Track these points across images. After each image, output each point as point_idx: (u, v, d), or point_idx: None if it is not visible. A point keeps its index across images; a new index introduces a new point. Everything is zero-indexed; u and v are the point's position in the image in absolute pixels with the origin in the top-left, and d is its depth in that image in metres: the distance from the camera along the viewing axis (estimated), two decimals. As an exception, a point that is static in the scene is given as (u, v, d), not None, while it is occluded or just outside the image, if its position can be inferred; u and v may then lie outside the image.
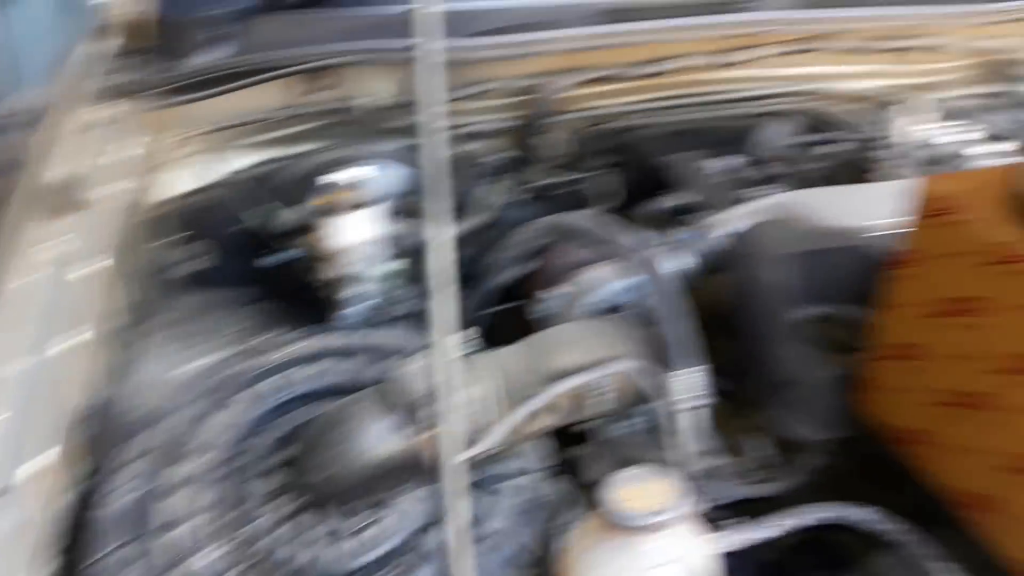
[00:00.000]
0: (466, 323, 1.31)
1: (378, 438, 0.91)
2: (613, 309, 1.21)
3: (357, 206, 1.29)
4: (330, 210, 1.28)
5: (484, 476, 0.97)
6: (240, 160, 1.60)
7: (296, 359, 1.10)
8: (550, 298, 1.23)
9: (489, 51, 1.65)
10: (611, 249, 1.15)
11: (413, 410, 0.90)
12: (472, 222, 1.52)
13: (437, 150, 1.63)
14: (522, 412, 0.92)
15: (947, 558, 0.83)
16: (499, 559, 0.90)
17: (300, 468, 0.94)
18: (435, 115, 1.66)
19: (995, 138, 1.50)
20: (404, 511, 0.93)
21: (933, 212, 0.87)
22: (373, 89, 1.64)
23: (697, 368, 1.01)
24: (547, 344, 1.02)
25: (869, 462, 0.97)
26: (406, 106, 1.62)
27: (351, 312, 1.38)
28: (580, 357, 1.00)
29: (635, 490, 0.79)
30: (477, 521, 0.93)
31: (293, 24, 1.64)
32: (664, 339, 1.02)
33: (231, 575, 0.87)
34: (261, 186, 1.57)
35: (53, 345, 0.98)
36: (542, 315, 1.24)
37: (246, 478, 0.96)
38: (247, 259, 1.57)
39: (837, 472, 1.00)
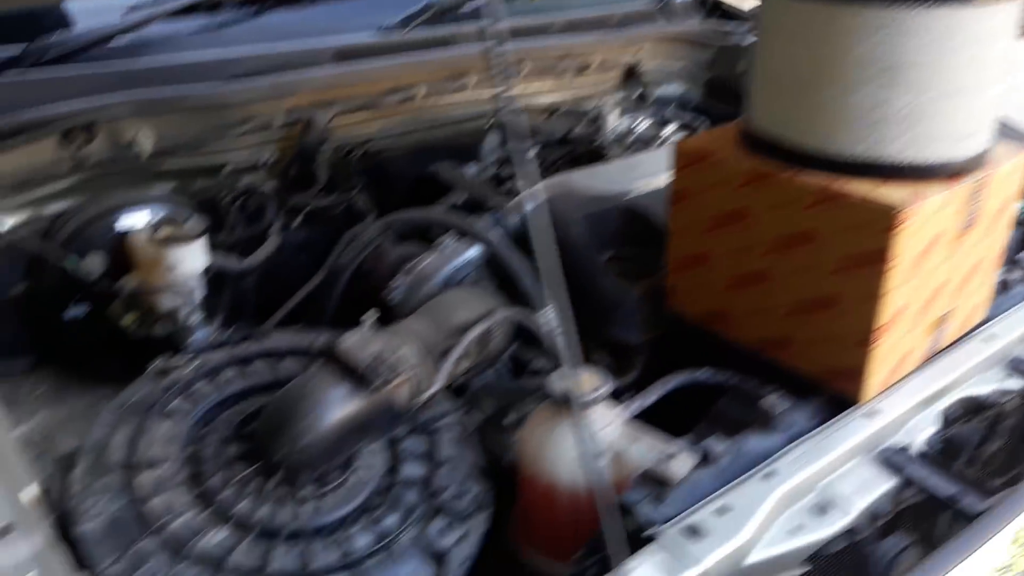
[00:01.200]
0: (323, 320, 1.47)
1: (340, 401, 1.06)
2: (451, 284, 1.46)
3: (198, 235, 1.37)
4: (173, 240, 1.34)
5: (421, 420, 1.16)
6: (12, 218, 1.54)
7: (210, 368, 1.18)
8: (397, 288, 1.44)
9: (248, 93, 1.78)
10: (454, 228, 1.40)
11: (363, 374, 1.06)
12: (268, 247, 1.65)
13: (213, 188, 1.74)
14: (454, 356, 1.13)
15: (764, 388, 1.20)
16: (457, 479, 1.10)
17: (265, 449, 1.05)
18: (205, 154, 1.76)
19: (663, 123, 2.04)
20: (368, 464, 1.09)
21: (689, 161, 1.26)
22: (140, 137, 1.67)
23: (551, 305, 1.31)
24: (441, 310, 1.23)
25: (684, 345, 1.34)
26: (172, 151, 1.70)
27: (199, 336, 1.44)
28: (471, 313, 1.24)
29: (572, 381, 1.06)
30: (431, 454, 1.13)
31: (53, 79, 1.61)
32: (520, 289, 1.31)
33: (237, 550, 0.96)
34: (49, 239, 1.53)
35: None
36: (395, 301, 1.44)
37: (211, 472, 1.04)
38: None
39: (666, 357, 1.35)
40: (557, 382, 1.05)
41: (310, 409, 1.04)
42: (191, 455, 1.07)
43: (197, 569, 0.93)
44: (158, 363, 1.18)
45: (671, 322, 1.35)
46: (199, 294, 1.47)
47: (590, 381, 1.06)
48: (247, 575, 0.93)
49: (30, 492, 0.88)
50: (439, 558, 1.00)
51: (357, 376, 1.06)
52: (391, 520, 1.03)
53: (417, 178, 1.89)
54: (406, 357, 1.10)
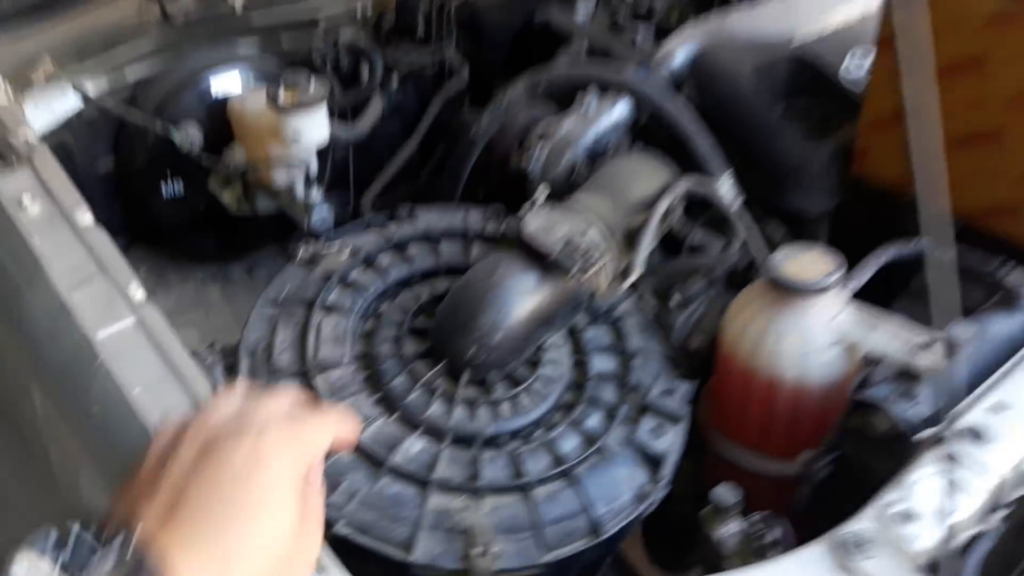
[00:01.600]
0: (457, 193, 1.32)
1: (532, 292, 0.92)
2: (598, 153, 1.29)
3: (322, 100, 1.20)
4: (298, 107, 1.17)
5: (601, 308, 1.04)
6: (96, 82, 1.37)
7: (366, 255, 1.05)
8: (535, 158, 1.28)
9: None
10: (613, 84, 1.22)
11: (556, 261, 0.92)
12: (373, 112, 1.48)
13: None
14: (648, 237, 0.99)
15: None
16: (652, 372, 0.99)
17: (449, 346, 0.93)
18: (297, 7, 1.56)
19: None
20: (554, 359, 0.97)
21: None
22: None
23: (729, 171, 1.15)
24: (617, 183, 1.07)
25: (874, 215, 1.19)
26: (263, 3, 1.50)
27: (319, 216, 1.30)
28: (650, 185, 1.08)
29: (796, 262, 0.92)
30: (618, 345, 1.01)
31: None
32: (695, 155, 1.15)
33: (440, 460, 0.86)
34: (138, 106, 1.37)
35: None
36: (534, 174, 1.28)
37: (390, 373, 0.92)
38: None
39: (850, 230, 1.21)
40: (782, 264, 0.91)
41: (500, 301, 0.91)
42: (364, 355, 0.95)
43: (401, 484, 0.83)
44: (304, 249, 1.04)
45: (859, 189, 1.19)
46: (315, 167, 1.32)
47: (821, 262, 0.92)
48: (458, 488, 0.83)
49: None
50: (654, 462, 0.89)
51: (548, 263, 0.92)
52: (594, 420, 0.92)
53: (522, 28, 1.67)
54: (596, 241, 0.95)
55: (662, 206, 1.02)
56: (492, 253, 0.96)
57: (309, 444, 0.55)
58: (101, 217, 1.46)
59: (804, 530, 0.89)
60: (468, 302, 0.92)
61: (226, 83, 1.39)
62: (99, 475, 0.73)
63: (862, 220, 1.21)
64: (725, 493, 0.86)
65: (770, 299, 0.93)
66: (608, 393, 0.95)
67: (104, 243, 0.89)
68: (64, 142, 1.36)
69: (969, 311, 1.02)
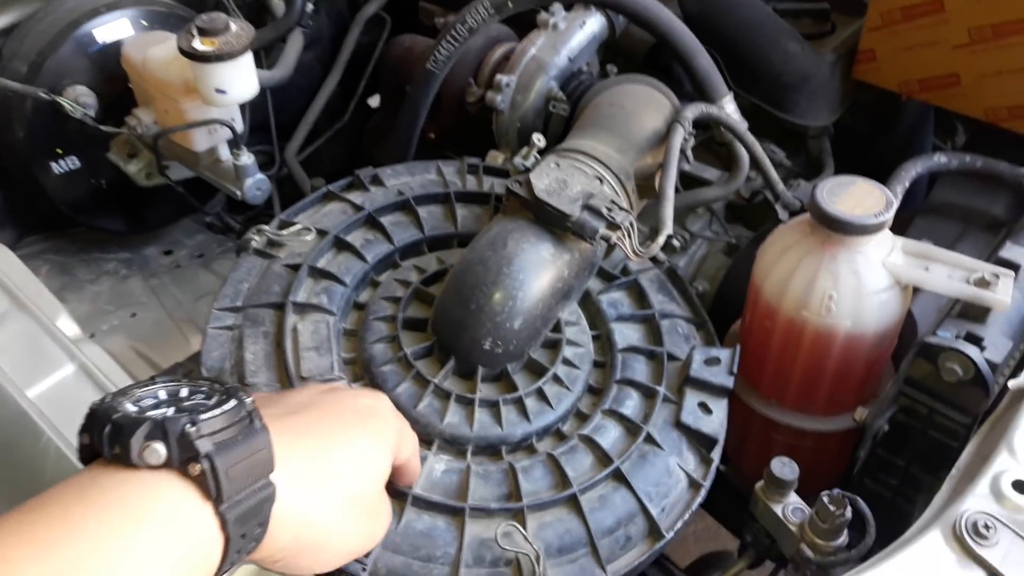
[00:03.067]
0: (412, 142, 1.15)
1: (549, 264, 0.78)
2: (573, 80, 1.14)
3: (247, 46, 0.99)
4: (219, 56, 0.96)
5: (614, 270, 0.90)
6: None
7: (335, 237, 0.87)
8: (503, 87, 1.11)
9: None
10: None
11: (575, 225, 0.78)
12: (294, 46, 1.27)
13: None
14: (670, 188, 0.85)
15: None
16: (681, 337, 0.87)
17: (457, 338, 0.78)
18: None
19: None
20: (573, 335, 0.84)
21: None
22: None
23: (728, 92, 1.02)
24: (615, 120, 0.93)
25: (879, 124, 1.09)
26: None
27: (252, 183, 1.11)
28: (655, 117, 0.94)
29: (847, 197, 0.80)
30: (640, 312, 0.88)
31: None
32: (693, 75, 1.00)
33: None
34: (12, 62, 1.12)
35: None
36: (500, 108, 1.12)
37: (393, 385, 0.77)
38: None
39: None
40: (832, 199, 0.79)
41: (516, 279, 0.76)
42: (354, 360, 0.80)
43: (430, 516, 0.70)
44: (256, 236, 0.86)
45: (862, 96, 1.08)
46: (241, 124, 1.11)
47: (871, 196, 0.81)
48: (496, 511, 0.70)
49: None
50: (703, 443, 0.79)
51: (564, 227, 0.78)
52: (631, 404, 0.80)
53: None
54: (612, 197, 0.81)
55: (676, 142, 0.88)
56: (495, 220, 0.81)
57: (409, 437, 0.61)
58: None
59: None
60: (478, 284, 0.77)
61: (113, 31, 1.15)
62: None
63: (865, 132, 1.10)
64: (783, 467, 0.77)
65: (818, 240, 0.81)
66: (640, 369, 0.83)
67: (12, 264, 0.69)
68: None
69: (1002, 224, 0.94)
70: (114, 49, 1.14)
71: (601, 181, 0.82)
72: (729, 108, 1.01)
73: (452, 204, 0.93)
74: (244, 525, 0.45)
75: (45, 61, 1.11)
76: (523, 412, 0.77)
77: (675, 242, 1.06)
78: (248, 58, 0.98)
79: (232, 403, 0.46)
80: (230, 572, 0.47)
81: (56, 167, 1.19)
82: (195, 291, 1.18)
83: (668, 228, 0.81)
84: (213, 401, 0.46)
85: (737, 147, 1.01)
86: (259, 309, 0.81)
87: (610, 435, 0.78)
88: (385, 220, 0.91)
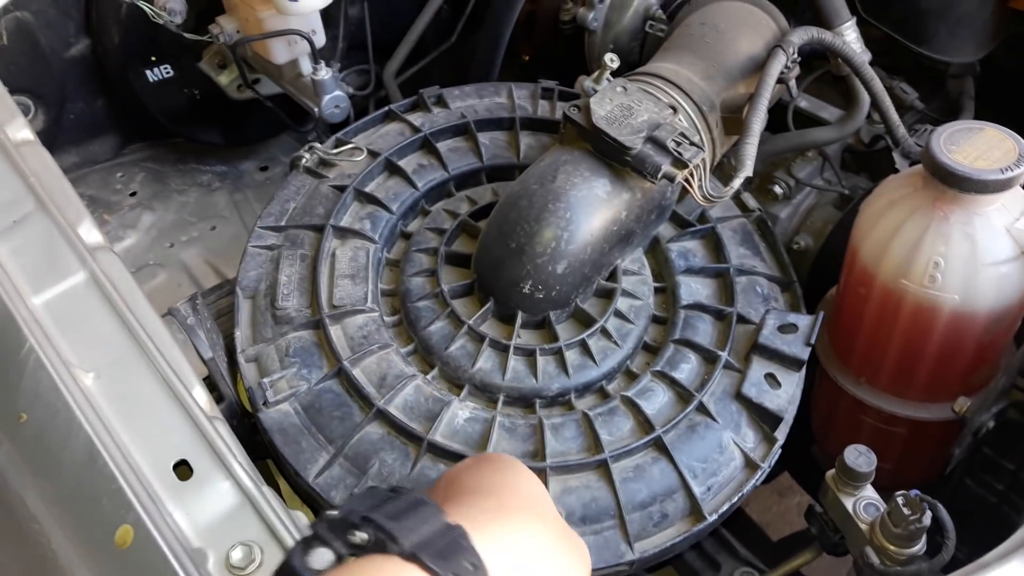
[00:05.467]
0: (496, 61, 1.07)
1: (607, 202, 0.70)
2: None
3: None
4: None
5: (692, 215, 0.81)
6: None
7: (387, 160, 0.82)
8: (598, 4, 1.01)
9: None
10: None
11: (635, 160, 0.69)
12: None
13: None
14: (758, 121, 0.73)
15: None
16: (759, 297, 0.77)
17: (500, 279, 0.72)
18: None
19: None
20: (632, 286, 0.75)
21: None
22: None
23: (851, 17, 0.88)
24: (706, 41, 0.81)
25: None
26: None
27: (330, 99, 1.07)
28: (754, 40, 0.82)
29: (967, 147, 0.67)
30: (714, 260, 0.79)
31: None
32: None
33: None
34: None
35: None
36: (594, 27, 1.02)
37: (428, 324, 0.72)
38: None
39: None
40: (949, 149, 0.66)
41: (564, 217, 0.68)
42: (391, 292, 0.75)
43: (446, 465, 0.65)
44: (308, 154, 0.82)
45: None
46: (322, 36, 1.07)
47: (999, 146, 0.67)
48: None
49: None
50: (767, 420, 0.69)
51: (625, 161, 0.69)
52: (687, 367, 0.72)
53: None
54: (686, 129, 0.70)
55: (773, 70, 0.76)
56: (549, 150, 0.73)
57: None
58: (82, 111, 1.26)
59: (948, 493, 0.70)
60: (520, 220, 0.69)
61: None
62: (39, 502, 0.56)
63: (1020, 73, 0.93)
64: (858, 458, 0.66)
65: (929, 196, 0.69)
66: (704, 330, 0.74)
67: (46, 165, 0.68)
68: (23, 21, 1.13)
69: None
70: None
71: (675, 110, 0.72)
72: (849, 36, 0.87)
73: (516, 131, 0.86)
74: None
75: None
76: (562, 365, 0.70)
77: (777, 189, 0.94)
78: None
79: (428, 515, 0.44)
80: None
81: (151, 75, 1.19)
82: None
83: (747, 170, 0.71)
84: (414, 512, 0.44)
85: (855, 82, 0.87)
86: (300, 230, 0.77)
87: (657, 399, 0.70)
88: (442, 145, 0.84)
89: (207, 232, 1.14)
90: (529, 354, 0.70)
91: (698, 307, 0.75)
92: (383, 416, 0.66)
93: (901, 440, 0.82)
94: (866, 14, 0.93)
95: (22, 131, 0.69)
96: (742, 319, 0.74)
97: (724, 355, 0.71)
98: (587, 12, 1.01)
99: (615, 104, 0.70)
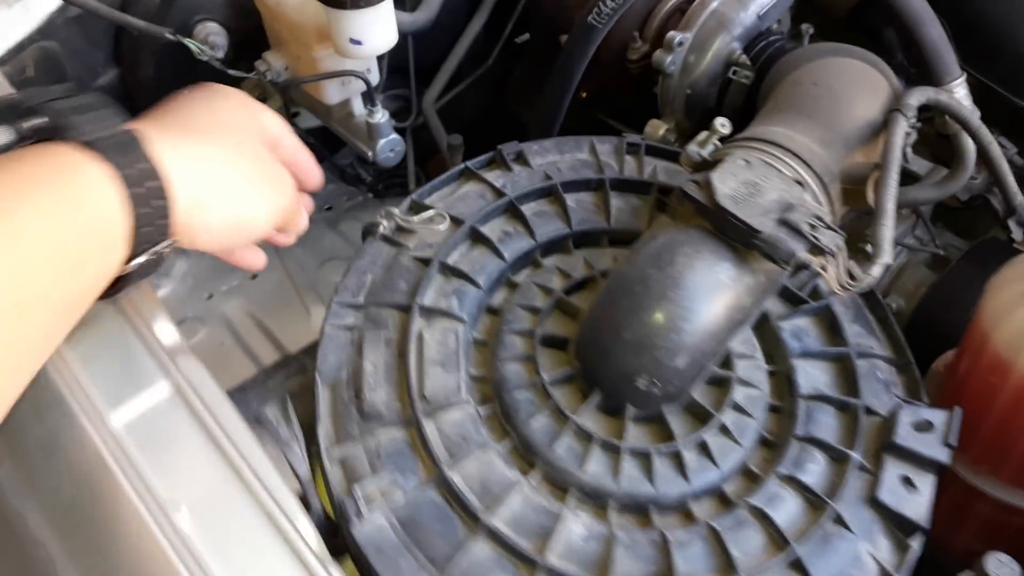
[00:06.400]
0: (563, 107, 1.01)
1: (727, 285, 0.63)
2: (757, 37, 0.96)
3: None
4: (355, 1, 0.83)
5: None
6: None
7: (471, 228, 0.75)
8: (677, 45, 0.94)
9: None
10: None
11: (770, 241, 0.62)
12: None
13: None
14: (892, 194, 0.67)
15: None
16: (881, 386, 0.71)
17: (611, 369, 0.65)
18: None
19: None
20: (745, 372, 0.69)
21: None
22: None
23: (961, 74, 0.82)
24: (818, 102, 0.75)
25: None
26: None
27: (385, 144, 1.00)
28: (870, 101, 0.76)
29: None
30: (831, 340, 0.73)
31: None
32: (920, 47, 0.81)
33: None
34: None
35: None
36: (670, 71, 0.96)
37: (528, 418, 0.65)
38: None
39: None
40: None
41: (687, 307, 0.62)
42: (483, 378, 0.69)
43: None
44: (382, 218, 0.75)
45: None
46: (377, 76, 1.00)
47: None
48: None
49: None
50: (903, 528, 0.63)
51: (751, 245, 0.63)
52: (814, 469, 0.65)
53: None
54: (816, 209, 0.64)
55: (898, 139, 0.70)
56: (659, 226, 0.66)
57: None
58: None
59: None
60: (636, 309, 0.63)
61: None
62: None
63: None
64: (1000, 567, 0.61)
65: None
66: (828, 424, 0.68)
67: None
68: (49, 51, 1.05)
69: None
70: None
71: (802, 186, 0.66)
72: (959, 93, 0.81)
73: (606, 193, 0.79)
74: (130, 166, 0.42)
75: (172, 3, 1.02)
76: (680, 467, 0.64)
77: (869, 248, 0.89)
78: (388, 4, 0.85)
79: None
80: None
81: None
82: (319, 254, 1.09)
83: (887, 255, 0.65)
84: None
85: (964, 140, 0.81)
86: (383, 308, 0.70)
87: (787, 508, 0.64)
88: (527, 208, 0.78)
89: (247, 281, 1.06)
90: (643, 456, 0.64)
91: (820, 398, 0.69)
92: (489, 532, 0.60)
93: (1017, 530, 0.76)
94: (968, 65, 0.87)
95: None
96: (869, 411, 0.68)
97: (856, 456, 0.65)
98: (664, 55, 0.95)
99: (739, 180, 0.64)
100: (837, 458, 0.66)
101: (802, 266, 0.62)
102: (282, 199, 0.57)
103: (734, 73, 0.93)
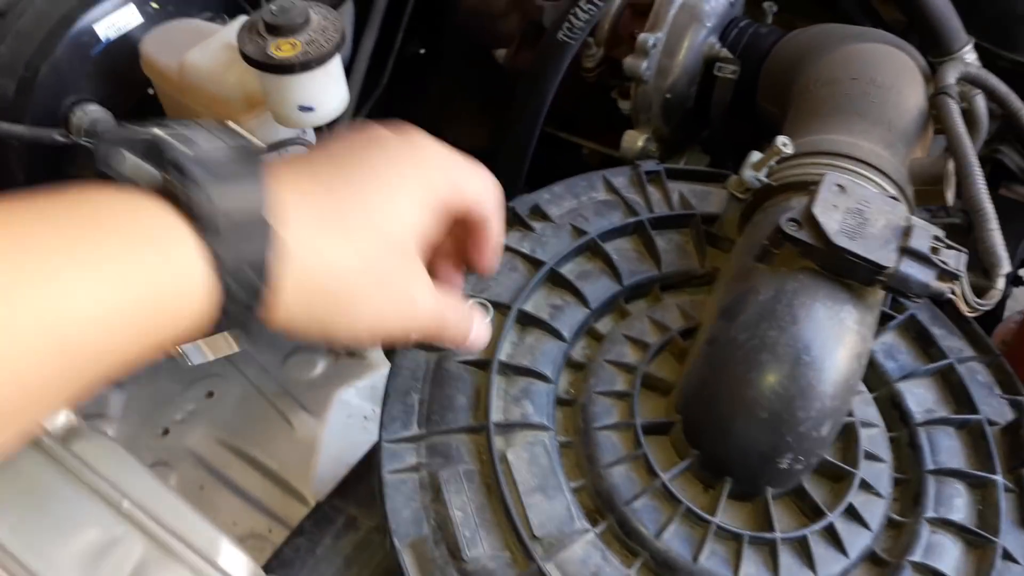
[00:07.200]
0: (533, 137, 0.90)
1: (852, 332, 0.55)
2: (728, 25, 0.88)
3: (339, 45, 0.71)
4: (306, 63, 0.68)
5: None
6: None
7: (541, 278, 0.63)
8: (649, 50, 0.85)
9: None
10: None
11: (899, 277, 0.54)
12: None
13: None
14: (983, 192, 0.61)
15: None
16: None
17: (721, 441, 0.56)
18: None
19: None
20: (870, 442, 0.62)
21: None
22: None
23: (970, 39, 0.78)
24: (868, 100, 0.67)
25: None
26: None
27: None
28: (916, 89, 0.69)
29: None
30: (954, 399, 0.66)
31: None
32: (927, 19, 0.75)
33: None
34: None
35: None
36: (646, 76, 0.87)
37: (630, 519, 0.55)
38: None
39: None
40: None
41: (820, 368, 0.54)
42: (583, 489, 0.58)
43: None
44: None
45: None
46: (314, 138, 0.85)
47: None
48: None
49: None
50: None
51: (875, 282, 0.55)
52: (959, 504, 0.60)
53: None
54: (932, 228, 0.57)
55: (959, 127, 0.65)
56: (757, 277, 0.57)
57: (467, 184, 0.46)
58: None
59: None
60: (764, 379, 0.54)
61: (117, 22, 0.86)
62: None
63: None
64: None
65: None
66: (951, 447, 0.62)
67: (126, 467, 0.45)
68: None
69: None
70: (122, 46, 0.86)
71: (899, 201, 0.59)
72: (969, 58, 0.77)
73: (648, 236, 0.69)
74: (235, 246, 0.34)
75: (38, 74, 0.82)
76: (836, 542, 0.56)
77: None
78: (337, 62, 0.71)
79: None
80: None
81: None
82: (280, 347, 0.92)
83: (1006, 262, 0.59)
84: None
85: (977, 105, 0.77)
86: (449, 436, 0.58)
87: (949, 556, 0.57)
88: (569, 272, 0.67)
89: (203, 402, 0.88)
90: (798, 543, 0.56)
91: (938, 421, 0.63)
92: None
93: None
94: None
95: (61, 417, 0.45)
96: (989, 423, 0.63)
97: (999, 479, 0.60)
98: (637, 61, 0.85)
99: (843, 210, 0.56)
100: (976, 484, 0.60)
101: (934, 296, 0.54)
102: (398, 320, 0.44)
103: (719, 69, 0.85)
